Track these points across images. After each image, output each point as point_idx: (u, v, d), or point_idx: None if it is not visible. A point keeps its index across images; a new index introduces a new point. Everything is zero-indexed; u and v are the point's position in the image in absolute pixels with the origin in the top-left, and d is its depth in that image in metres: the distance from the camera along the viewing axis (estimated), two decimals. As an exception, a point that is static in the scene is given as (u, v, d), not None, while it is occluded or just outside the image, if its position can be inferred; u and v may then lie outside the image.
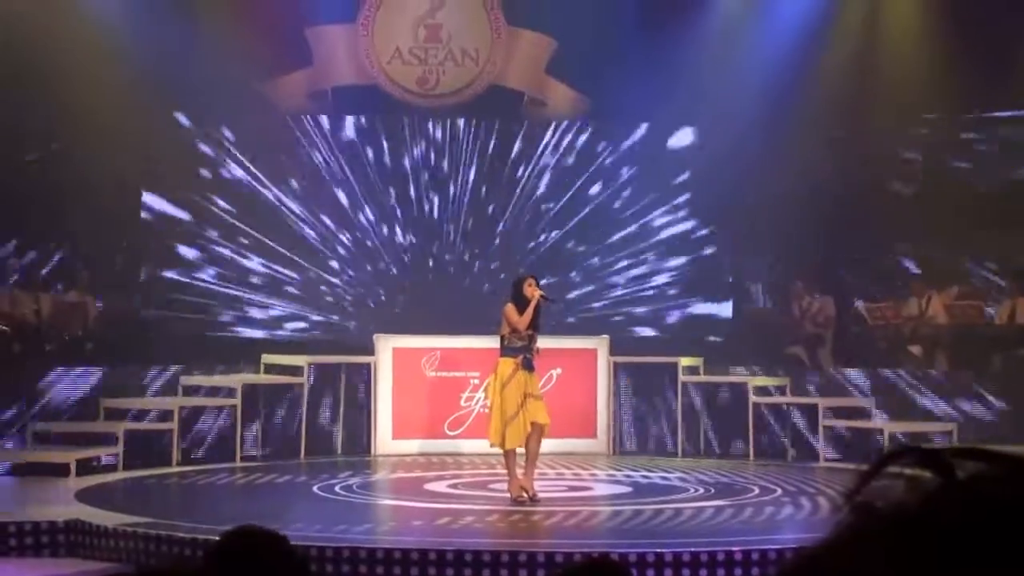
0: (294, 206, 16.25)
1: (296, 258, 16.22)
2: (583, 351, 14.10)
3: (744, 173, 16.12)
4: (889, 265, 16.39)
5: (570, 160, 16.60)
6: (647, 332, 16.45)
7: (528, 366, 10.23)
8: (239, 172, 16.14)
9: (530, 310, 10.22)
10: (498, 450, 10.49)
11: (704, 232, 16.68)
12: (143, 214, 16.05)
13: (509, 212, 16.56)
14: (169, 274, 16.07)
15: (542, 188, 16.60)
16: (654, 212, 16.64)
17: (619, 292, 16.62)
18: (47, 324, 14.82)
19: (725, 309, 16.67)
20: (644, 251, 16.63)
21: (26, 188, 15.30)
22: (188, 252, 16.06)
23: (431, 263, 16.51)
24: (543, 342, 10.58)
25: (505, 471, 10.54)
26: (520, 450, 10.39)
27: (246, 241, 16.13)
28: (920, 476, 0.98)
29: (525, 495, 10.30)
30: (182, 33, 14.92)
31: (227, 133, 16.16)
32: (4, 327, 14.29)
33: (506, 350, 10.31)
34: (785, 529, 9.63)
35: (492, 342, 13.16)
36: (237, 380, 13.63)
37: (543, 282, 11.05)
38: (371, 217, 16.42)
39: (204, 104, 15.80)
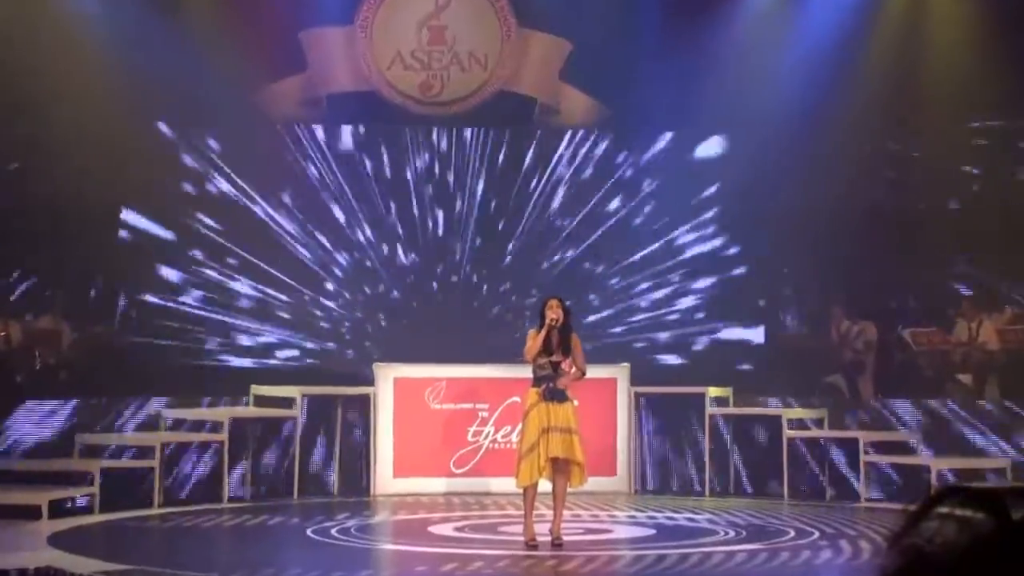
0: (286, 224, 16.29)
1: (288, 280, 16.25)
2: (602, 380, 14.06)
3: (776, 186, 16.11)
4: (937, 286, 16.35)
5: (587, 173, 16.62)
6: (672, 359, 16.44)
7: (551, 397, 10.17)
8: (226, 187, 16.18)
9: (541, 336, 10.20)
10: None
11: (734, 251, 16.67)
12: (122, 233, 16.08)
13: (521, 229, 16.57)
14: (150, 298, 16.09)
15: (557, 203, 16.61)
16: (679, 229, 16.64)
17: (641, 316, 16.61)
18: (17, 352, 14.85)
19: (757, 334, 16.64)
20: (668, 271, 16.63)
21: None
22: (171, 274, 16.09)
23: (436, 285, 16.53)
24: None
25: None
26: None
27: (234, 262, 16.16)
28: (972, 517, 0.98)
29: (536, 540, 10.28)
30: (167, 36, 14.98)
31: (213, 144, 16.20)
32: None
33: (534, 380, 10.30)
34: (823, 575, 9.60)
35: (502, 371, 13.18)
36: (224, 413, 13.63)
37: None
38: (370, 235, 16.45)
39: (188, 113, 15.84)
